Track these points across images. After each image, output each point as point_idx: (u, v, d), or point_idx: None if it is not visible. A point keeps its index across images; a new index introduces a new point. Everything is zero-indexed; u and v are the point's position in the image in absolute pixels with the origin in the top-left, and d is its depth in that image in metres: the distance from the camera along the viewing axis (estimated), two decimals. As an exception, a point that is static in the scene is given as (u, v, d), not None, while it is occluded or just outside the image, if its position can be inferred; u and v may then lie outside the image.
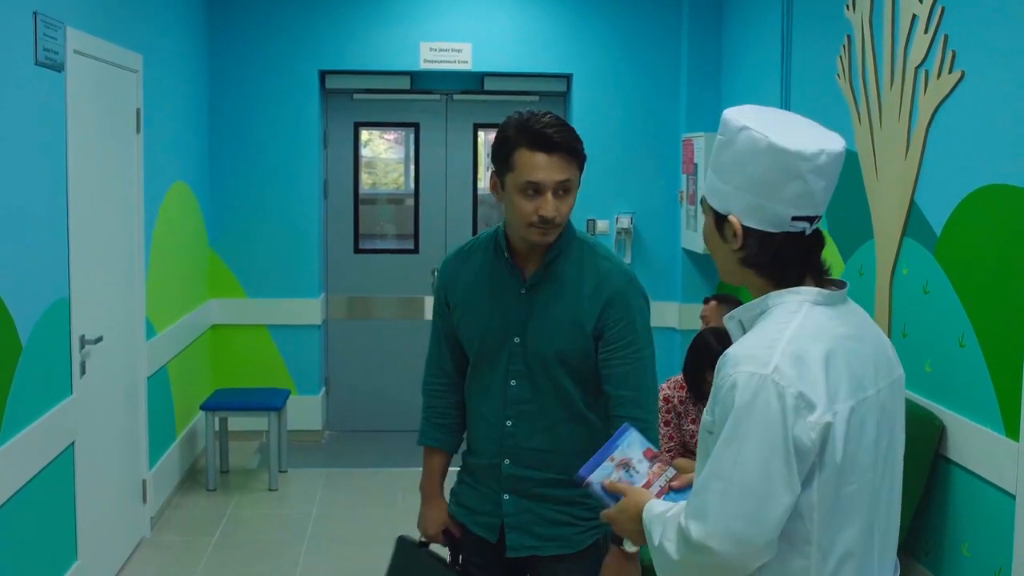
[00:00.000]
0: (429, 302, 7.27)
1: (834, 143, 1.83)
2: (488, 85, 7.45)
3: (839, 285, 1.90)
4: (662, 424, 4.63)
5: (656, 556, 1.86)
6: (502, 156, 2.62)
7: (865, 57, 4.79)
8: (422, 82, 7.44)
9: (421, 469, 3.02)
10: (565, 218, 2.63)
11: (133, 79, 5.38)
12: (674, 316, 7.24)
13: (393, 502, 6.17)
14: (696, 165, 6.76)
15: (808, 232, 1.83)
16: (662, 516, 1.86)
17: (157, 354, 5.81)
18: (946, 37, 4.04)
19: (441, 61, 7.18)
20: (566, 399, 2.74)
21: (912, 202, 4.33)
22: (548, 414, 2.74)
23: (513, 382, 2.74)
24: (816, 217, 1.84)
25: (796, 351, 1.75)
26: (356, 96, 7.50)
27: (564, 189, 2.59)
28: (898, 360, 1.98)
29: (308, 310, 7.34)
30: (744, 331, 1.90)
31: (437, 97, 7.58)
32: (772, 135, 1.78)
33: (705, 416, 1.83)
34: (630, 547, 2.48)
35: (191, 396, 6.62)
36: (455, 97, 7.54)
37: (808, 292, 1.84)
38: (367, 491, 6.49)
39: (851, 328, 1.86)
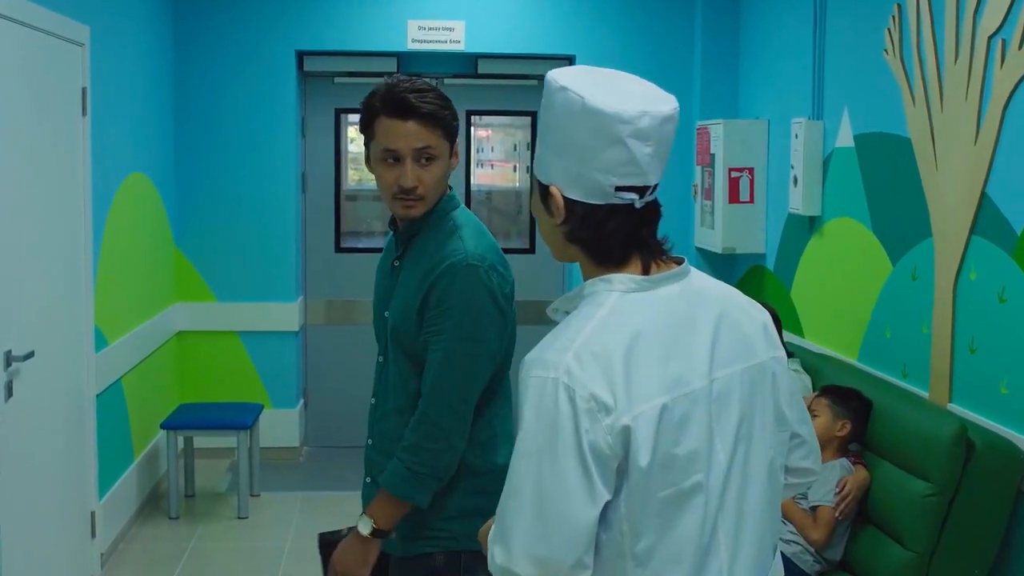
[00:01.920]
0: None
1: (662, 104, 1.71)
2: (483, 68, 6.99)
3: (677, 262, 1.77)
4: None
5: None
6: (364, 124, 2.58)
7: (922, 27, 4.25)
8: (410, 64, 6.96)
9: None
10: (430, 189, 2.55)
11: (78, 53, 4.73)
12: None
13: (377, 533, 5.50)
14: (713, 156, 6.23)
15: (638, 205, 1.70)
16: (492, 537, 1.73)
17: (109, 367, 5.19)
18: (1033, -3, 3.47)
19: (431, 41, 6.73)
20: (405, 383, 2.61)
21: (983, 195, 3.84)
22: (395, 395, 2.64)
23: (380, 358, 2.71)
24: (646, 188, 1.71)
25: (593, 349, 1.64)
26: (337, 80, 7.04)
27: (426, 157, 2.52)
28: (774, 341, 1.84)
29: (284, 315, 6.84)
30: None
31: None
32: (588, 96, 1.68)
33: None
34: (365, 528, 2.57)
35: (151, 413, 6.01)
36: (446, 81, 7.06)
37: (620, 280, 1.73)
38: (348, 517, 5.77)
39: (676, 314, 1.73)
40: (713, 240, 6.28)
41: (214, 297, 6.77)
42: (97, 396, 4.98)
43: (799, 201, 5.31)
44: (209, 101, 6.67)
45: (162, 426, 5.80)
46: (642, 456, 1.61)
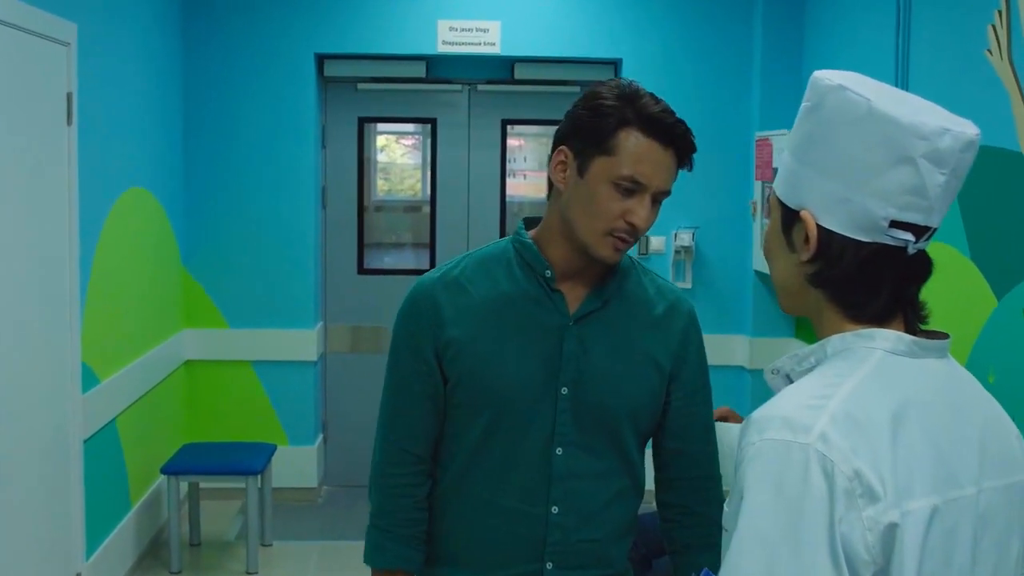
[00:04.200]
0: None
1: (965, 126, 1.37)
2: (519, 73, 6.51)
3: (938, 336, 1.45)
4: None
5: None
6: (597, 132, 2.04)
7: None
8: (440, 69, 6.53)
9: None
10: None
11: (63, 54, 4.18)
12: (744, 352, 6.26)
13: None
14: (775, 170, 5.63)
15: (911, 251, 1.37)
16: None
17: (100, 408, 4.65)
18: None
19: (463, 43, 6.25)
20: (627, 469, 2.20)
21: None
22: (602, 491, 2.17)
23: (559, 450, 2.13)
24: (926, 230, 1.37)
25: (852, 412, 1.30)
26: (361, 86, 6.58)
27: (660, 200, 2.08)
28: None
29: (302, 343, 6.34)
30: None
31: (458, 87, 6.67)
32: (876, 99, 1.36)
33: (725, 508, 1.41)
34: None
35: (153, 454, 5.47)
36: (480, 87, 6.62)
37: (885, 336, 1.40)
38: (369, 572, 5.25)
39: (945, 394, 1.40)
40: (775, 263, 5.67)
41: (226, 323, 6.27)
42: (85, 442, 4.44)
43: (879, 222, 4.71)
44: (221, 109, 6.20)
45: (162, 471, 5.24)
46: (906, 573, 1.28)
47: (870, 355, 1.40)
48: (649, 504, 2.31)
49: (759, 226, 6.00)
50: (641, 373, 2.17)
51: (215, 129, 6.19)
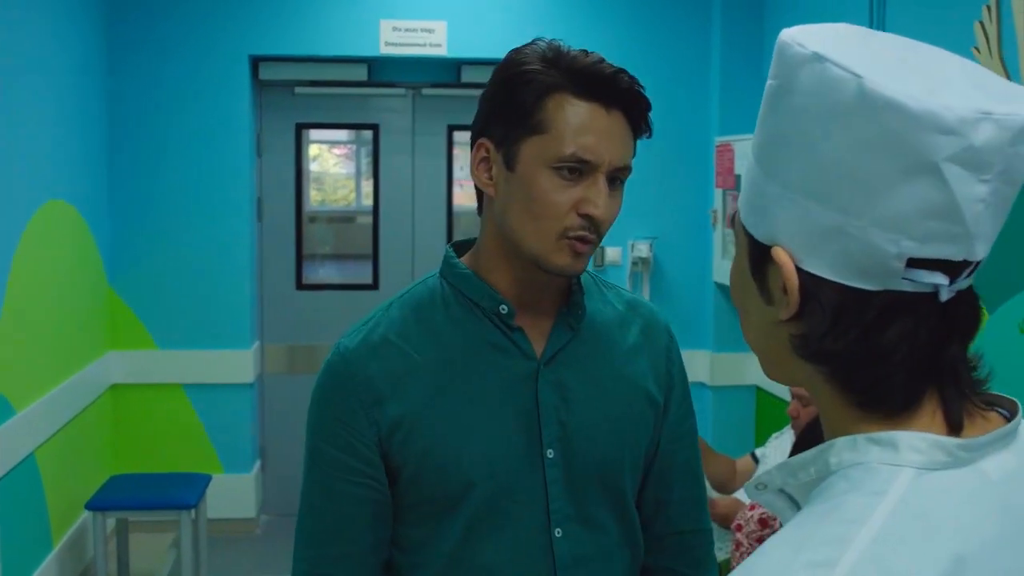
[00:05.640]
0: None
1: (1014, 102, 0.88)
2: (466, 76, 6.29)
3: (998, 412, 0.97)
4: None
5: None
6: (519, 107, 1.60)
7: None
8: (383, 72, 6.31)
9: None
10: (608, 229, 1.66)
11: (-31, 55, 3.80)
12: (704, 368, 6.05)
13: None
14: (737, 177, 5.46)
15: (944, 296, 0.90)
16: None
17: (17, 441, 4.29)
18: None
19: (407, 45, 6.01)
20: (630, 538, 1.77)
21: None
22: (614, 566, 1.75)
23: (558, 531, 1.68)
24: (965, 266, 0.90)
25: (881, 569, 0.84)
26: (298, 90, 6.30)
27: (620, 178, 1.64)
28: None
29: (238, 364, 6.02)
30: (796, 509, 0.99)
31: (402, 91, 6.43)
32: (871, 73, 0.88)
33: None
34: None
35: (77, 488, 5.10)
36: (425, 91, 6.40)
37: (911, 445, 0.91)
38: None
39: (1019, 516, 0.91)
40: (738, 275, 5.46)
41: (155, 344, 5.94)
42: (0, 479, 4.05)
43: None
44: (149, 115, 5.87)
45: (87, 506, 4.86)
46: None
47: (894, 479, 0.93)
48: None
49: (720, 236, 5.79)
50: (635, 412, 1.76)
51: (142, 137, 5.87)
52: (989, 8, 3.68)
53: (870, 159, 0.89)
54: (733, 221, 1.07)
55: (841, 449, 0.95)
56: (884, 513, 0.89)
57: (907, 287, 0.91)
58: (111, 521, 5.07)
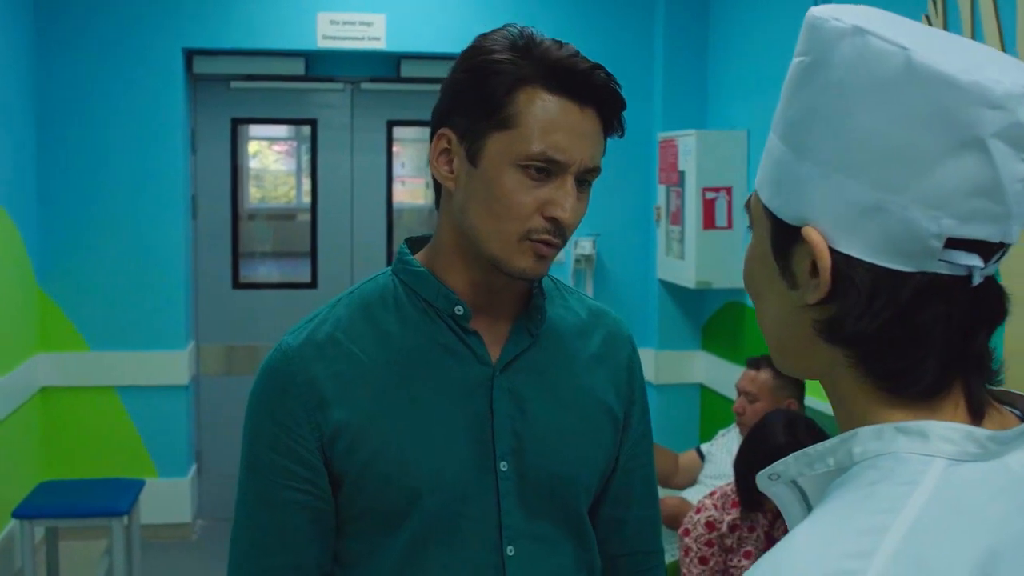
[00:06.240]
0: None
1: None
2: (406, 71, 6.26)
3: (1018, 404, 0.98)
4: (697, 561, 3.49)
5: None
6: (487, 99, 1.53)
7: (980, 9, 3.41)
8: (321, 66, 6.28)
9: None
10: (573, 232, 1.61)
11: None
12: (649, 367, 5.99)
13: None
14: (682, 173, 5.42)
15: (977, 279, 0.90)
16: None
17: None
18: None
19: (345, 38, 5.96)
20: (586, 558, 1.70)
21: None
22: None
23: (511, 550, 1.60)
24: (998, 248, 0.90)
25: (918, 560, 0.83)
26: (234, 84, 6.26)
27: (588, 180, 1.57)
28: None
29: (172, 366, 5.95)
30: (804, 504, 0.99)
31: (340, 86, 6.40)
32: (917, 47, 0.88)
33: None
34: None
35: (4, 495, 4.98)
36: (363, 86, 6.37)
37: (942, 435, 0.91)
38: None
39: None
40: (683, 273, 5.47)
41: (87, 346, 5.85)
42: (-80, 489, 3.92)
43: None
44: (78, 110, 5.77)
45: (14, 514, 4.74)
46: None
47: (926, 469, 0.92)
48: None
49: (663, 233, 5.75)
50: (594, 426, 1.69)
51: (72, 134, 5.78)
52: (935, 2, 3.67)
53: (915, 133, 0.89)
54: (748, 205, 1.06)
55: (866, 438, 0.94)
56: (919, 503, 0.89)
57: (942, 269, 0.91)
58: (40, 529, 4.95)
